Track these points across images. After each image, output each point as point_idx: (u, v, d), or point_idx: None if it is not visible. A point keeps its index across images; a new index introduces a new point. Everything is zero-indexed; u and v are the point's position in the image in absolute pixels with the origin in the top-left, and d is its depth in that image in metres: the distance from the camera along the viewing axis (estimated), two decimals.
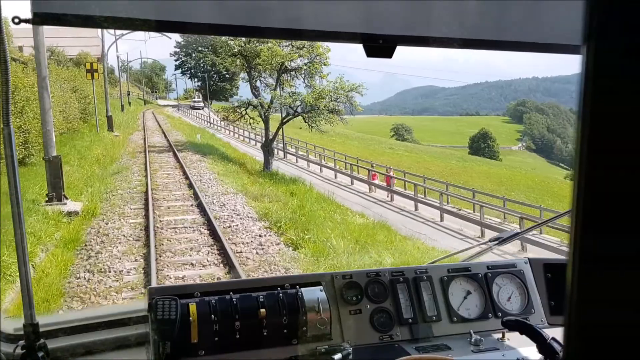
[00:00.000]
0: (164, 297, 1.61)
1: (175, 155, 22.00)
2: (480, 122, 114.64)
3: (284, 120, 22.26)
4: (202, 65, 65.32)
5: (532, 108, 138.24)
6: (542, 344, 1.46)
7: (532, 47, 1.47)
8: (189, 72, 67.85)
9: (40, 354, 1.43)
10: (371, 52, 1.35)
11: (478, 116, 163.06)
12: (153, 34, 38.99)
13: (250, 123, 23.75)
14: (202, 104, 61.37)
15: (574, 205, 0.39)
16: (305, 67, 21.35)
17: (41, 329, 1.45)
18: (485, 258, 2.21)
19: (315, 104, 20.57)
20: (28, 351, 1.43)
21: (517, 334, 1.57)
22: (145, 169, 17.63)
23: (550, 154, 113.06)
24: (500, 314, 1.92)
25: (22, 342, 1.44)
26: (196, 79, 67.76)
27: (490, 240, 2.23)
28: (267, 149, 21.64)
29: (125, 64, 56.22)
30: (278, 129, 22.77)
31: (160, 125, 39.99)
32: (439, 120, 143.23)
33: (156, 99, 74.17)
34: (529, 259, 2.09)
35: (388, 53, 1.36)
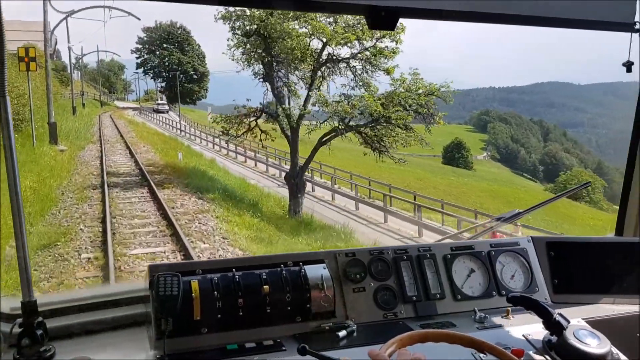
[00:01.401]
0: (166, 273, 1.53)
1: (154, 196, 14.44)
2: (443, 130, 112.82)
3: (325, 139, 15.48)
4: (167, 64, 58.40)
5: (495, 117, 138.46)
6: (548, 320, 1.50)
7: (541, 21, 1.47)
8: (152, 71, 60.60)
9: (39, 332, 1.36)
10: (374, 23, 1.37)
11: (440, 125, 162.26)
12: (115, 12, 31.58)
13: (261, 140, 17.52)
14: (166, 107, 55.05)
15: None
16: (367, 56, 14.54)
17: (40, 309, 1.40)
18: None
19: (386, 115, 14.29)
20: (26, 329, 1.36)
21: (521, 311, 1.65)
22: (104, 243, 9.68)
23: (514, 164, 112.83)
24: (504, 292, 1.90)
25: (19, 320, 1.37)
26: (160, 79, 60.60)
27: (493, 220, 2.25)
28: (296, 181, 14.82)
29: (79, 58, 48.81)
30: (315, 150, 15.95)
31: (122, 135, 32.13)
32: None
33: (114, 100, 66.54)
34: (532, 237, 2.04)
35: (390, 24, 1.37)
